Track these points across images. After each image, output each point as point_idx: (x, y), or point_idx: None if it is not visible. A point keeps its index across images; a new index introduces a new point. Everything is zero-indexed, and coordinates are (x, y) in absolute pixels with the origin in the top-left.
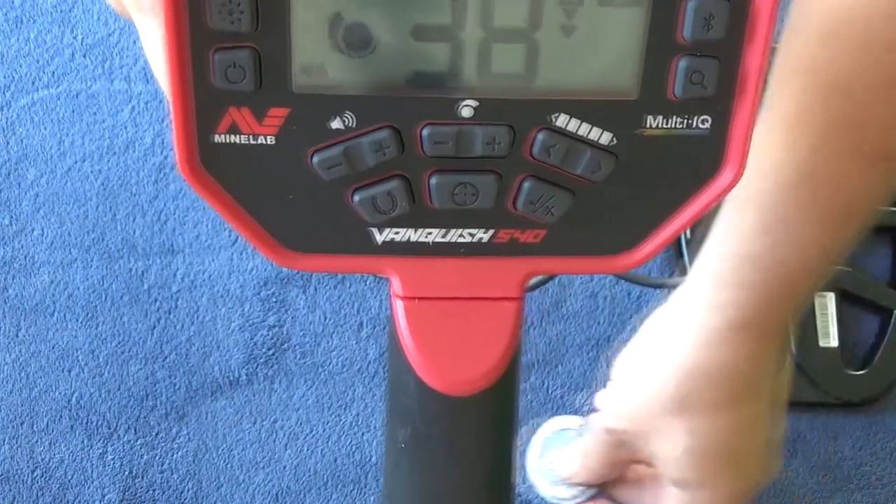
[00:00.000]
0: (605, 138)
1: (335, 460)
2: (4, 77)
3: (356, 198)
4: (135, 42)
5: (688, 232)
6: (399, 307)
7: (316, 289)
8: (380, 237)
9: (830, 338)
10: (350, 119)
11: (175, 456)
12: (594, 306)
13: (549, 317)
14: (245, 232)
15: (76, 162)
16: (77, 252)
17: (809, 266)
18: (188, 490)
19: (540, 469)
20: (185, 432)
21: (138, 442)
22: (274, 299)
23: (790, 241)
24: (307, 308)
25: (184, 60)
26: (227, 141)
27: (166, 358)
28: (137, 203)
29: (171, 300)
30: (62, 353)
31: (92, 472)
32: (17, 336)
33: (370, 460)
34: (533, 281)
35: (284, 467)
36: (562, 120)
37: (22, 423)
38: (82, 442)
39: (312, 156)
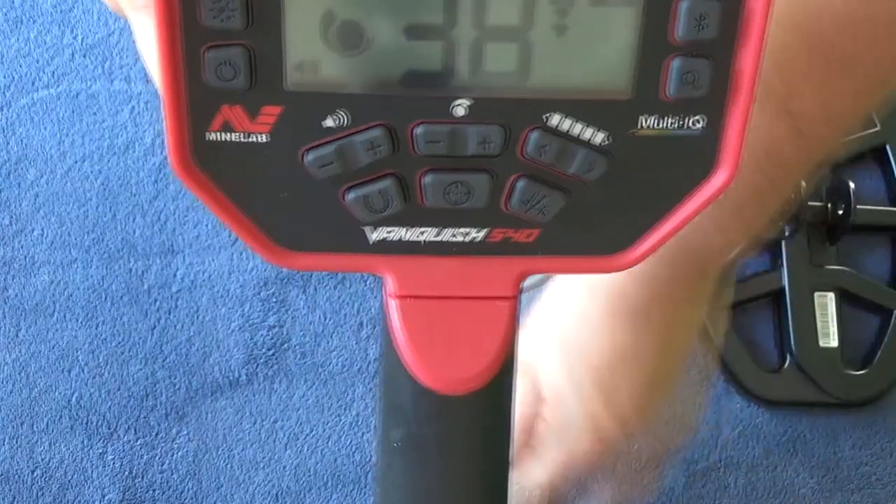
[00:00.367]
0: (599, 138)
1: (335, 460)
2: (4, 77)
3: (349, 196)
4: (134, 42)
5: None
6: (392, 306)
7: (316, 289)
8: (373, 236)
9: (830, 338)
10: (343, 117)
11: (175, 456)
12: None
13: None
14: (238, 230)
15: (76, 162)
16: (77, 252)
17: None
18: (188, 490)
19: None
20: (185, 432)
21: (138, 442)
22: (274, 299)
23: None
24: (307, 308)
25: (176, 58)
26: (220, 139)
27: (166, 358)
28: (137, 203)
29: (171, 300)
30: (62, 353)
31: (92, 472)
32: (17, 336)
33: (370, 460)
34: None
35: (284, 467)
36: (555, 119)
37: (22, 423)
38: (82, 442)
39: (305, 154)
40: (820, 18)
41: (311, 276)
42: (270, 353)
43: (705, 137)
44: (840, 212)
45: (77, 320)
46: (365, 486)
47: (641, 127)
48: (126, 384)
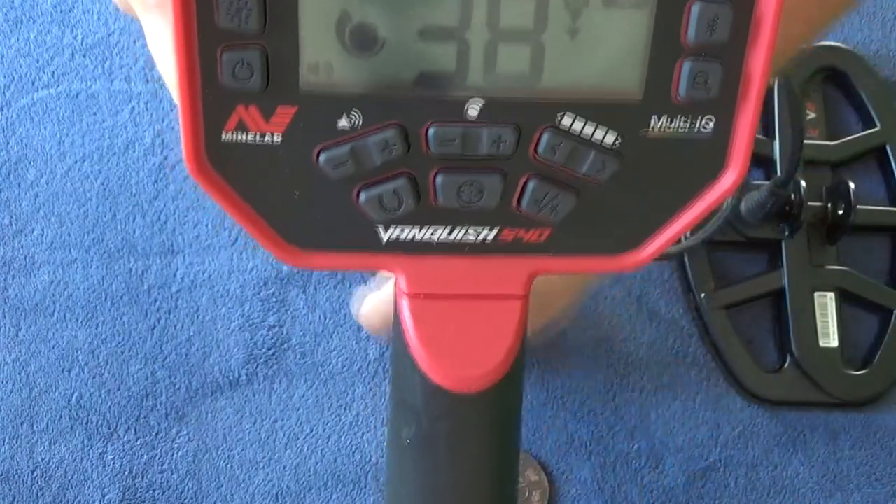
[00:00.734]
0: (610, 139)
1: (335, 460)
2: (4, 77)
3: (362, 196)
4: (135, 42)
5: (688, 232)
6: (404, 304)
7: (316, 289)
8: (385, 235)
9: (830, 338)
10: (357, 118)
11: (175, 456)
12: (594, 306)
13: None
14: (252, 230)
15: (76, 162)
16: (77, 252)
17: None
18: (188, 490)
19: None
20: (185, 432)
21: (138, 442)
22: (274, 299)
23: None
24: (307, 308)
25: (192, 59)
26: (235, 139)
27: (166, 358)
28: (137, 203)
29: (171, 300)
30: (62, 353)
31: (92, 472)
32: (17, 336)
33: (370, 460)
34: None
35: (284, 467)
36: (567, 120)
37: (22, 423)
38: (82, 442)
39: (319, 154)
40: None
41: (311, 276)
42: (270, 353)
43: (715, 138)
44: (840, 212)
45: (77, 320)
46: (365, 486)
47: (652, 128)
48: (126, 384)
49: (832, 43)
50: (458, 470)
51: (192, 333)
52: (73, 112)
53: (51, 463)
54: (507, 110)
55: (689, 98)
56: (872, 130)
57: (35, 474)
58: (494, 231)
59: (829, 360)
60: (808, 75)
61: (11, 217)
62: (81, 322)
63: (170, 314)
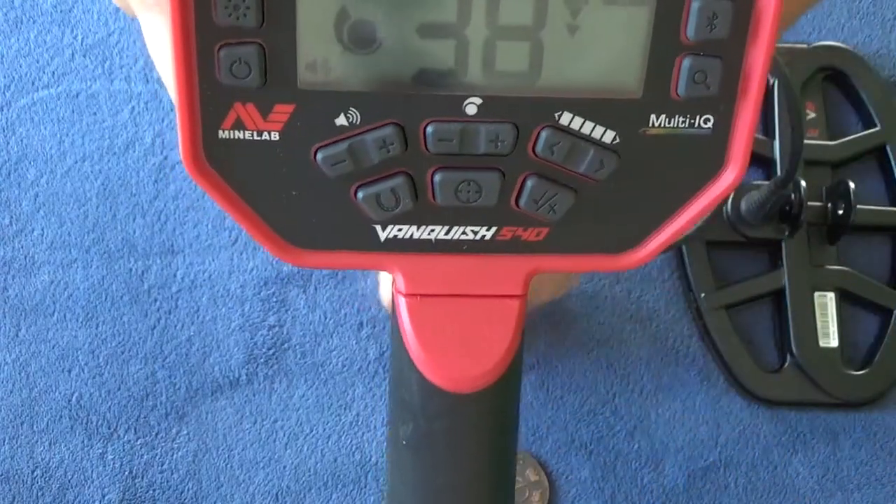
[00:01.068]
0: (609, 137)
1: (335, 460)
2: (4, 77)
3: (360, 194)
4: (135, 42)
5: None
6: (402, 304)
7: (316, 288)
8: (383, 234)
9: (830, 338)
10: (355, 116)
11: (175, 456)
12: (594, 306)
13: (549, 317)
14: (249, 227)
15: (76, 162)
16: (77, 252)
17: None
18: (188, 490)
19: None
20: (185, 432)
21: (138, 442)
22: (274, 299)
23: None
24: (307, 308)
25: (190, 56)
26: (232, 137)
27: (166, 358)
28: (137, 203)
29: (171, 300)
30: (62, 353)
31: (92, 472)
32: (17, 336)
33: (370, 460)
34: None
35: (284, 467)
36: (565, 118)
37: (22, 423)
38: (82, 442)
39: (317, 152)
40: None
41: (311, 275)
42: (270, 352)
43: (714, 136)
44: (840, 212)
45: (77, 320)
46: (365, 486)
47: (651, 126)
48: (126, 384)
49: (832, 43)
50: (456, 469)
51: (192, 333)
52: (73, 112)
53: (51, 463)
54: (505, 108)
55: (688, 95)
56: (872, 130)
57: (35, 474)
58: (493, 230)
59: (829, 360)
60: (808, 75)
61: (11, 217)
62: (81, 322)
63: (170, 314)
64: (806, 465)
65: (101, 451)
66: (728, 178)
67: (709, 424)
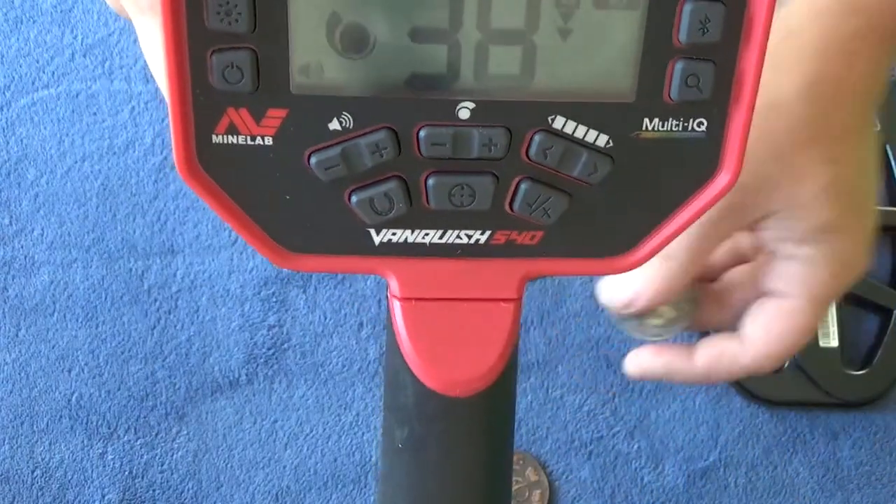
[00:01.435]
0: (602, 140)
1: (335, 460)
2: (4, 77)
3: (354, 199)
4: (135, 42)
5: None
6: (396, 308)
7: (316, 289)
8: (377, 238)
9: (830, 338)
10: (348, 120)
11: (175, 456)
12: (594, 306)
13: (549, 317)
14: (243, 232)
15: (76, 162)
16: (77, 252)
17: None
18: (188, 490)
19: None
20: (185, 432)
21: (138, 442)
22: (274, 299)
23: None
24: (307, 308)
25: (182, 61)
26: (226, 142)
27: (166, 358)
28: (137, 203)
29: (171, 300)
30: (62, 353)
31: (92, 472)
32: (17, 336)
33: (370, 460)
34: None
35: (284, 467)
36: (558, 122)
37: (22, 423)
38: (82, 442)
39: (310, 157)
40: None
41: (311, 275)
42: (270, 353)
43: (708, 140)
44: None
45: (77, 320)
46: (365, 486)
47: (645, 129)
48: (126, 384)
49: None
50: (451, 473)
51: (192, 333)
52: (73, 112)
53: (51, 463)
54: (498, 112)
55: (681, 99)
56: None
57: (35, 474)
58: (487, 234)
59: (829, 360)
60: None
61: (11, 217)
62: (81, 322)
63: (170, 314)
64: (806, 465)
65: (101, 451)
66: (722, 181)
67: (709, 424)
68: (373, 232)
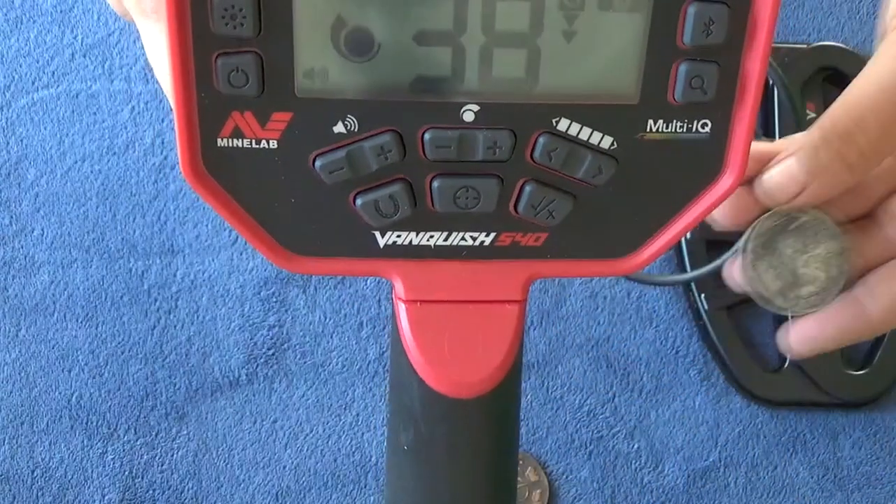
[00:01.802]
0: (606, 142)
1: (335, 460)
2: (4, 77)
3: (359, 201)
4: (135, 42)
5: (688, 233)
6: (401, 310)
7: (316, 289)
8: (382, 240)
9: None
10: (352, 123)
11: (175, 456)
12: (594, 306)
13: (549, 317)
14: (248, 235)
15: (76, 162)
16: (77, 252)
17: None
18: (188, 490)
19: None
20: (185, 432)
21: (138, 442)
22: (274, 299)
23: None
24: (307, 308)
25: (187, 65)
26: (231, 145)
27: (166, 358)
28: (137, 203)
29: (171, 300)
30: (62, 353)
31: (92, 472)
32: (17, 336)
33: (370, 460)
34: None
35: (284, 467)
36: (563, 124)
37: (22, 423)
38: (82, 442)
39: (315, 160)
40: None
41: (311, 276)
42: (270, 353)
43: (712, 141)
44: None
45: (77, 320)
46: (365, 486)
47: (649, 131)
48: (126, 384)
49: (832, 43)
50: (456, 475)
51: (192, 333)
52: (73, 112)
53: (51, 463)
54: (502, 115)
55: (685, 100)
56: None
57: (35, 474)
58: (491, 236)
59: (829, 360)
60: (808, 75)
61: (11, 217)
62: (81, 322)
63: (170, 314)
64: (806, 465)
65: (101, 451)
66: (726, 182)
67: (709, 424)
68: (377, 234)
